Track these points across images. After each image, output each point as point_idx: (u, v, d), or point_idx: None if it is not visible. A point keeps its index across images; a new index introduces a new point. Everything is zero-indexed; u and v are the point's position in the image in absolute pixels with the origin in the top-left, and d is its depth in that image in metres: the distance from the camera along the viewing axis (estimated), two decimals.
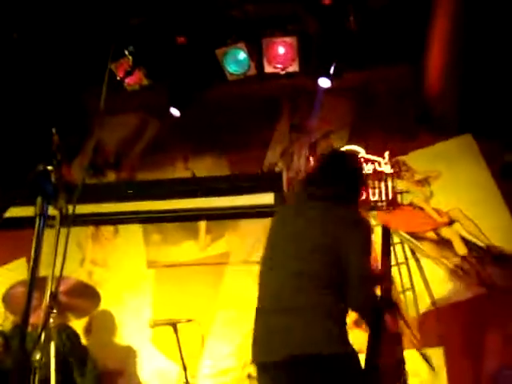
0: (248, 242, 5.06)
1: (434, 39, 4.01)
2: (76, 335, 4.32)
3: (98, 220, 5.32)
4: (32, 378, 2.65)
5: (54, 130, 2.72)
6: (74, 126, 5.11)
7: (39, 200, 1.60)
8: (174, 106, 4.93)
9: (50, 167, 1.71)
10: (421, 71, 4.35)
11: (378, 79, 5.00)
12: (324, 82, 4.69)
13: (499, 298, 4.42)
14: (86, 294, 3.93)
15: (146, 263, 5.16)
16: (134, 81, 4.48)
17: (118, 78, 3.88)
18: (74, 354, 4.15)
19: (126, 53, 3.03)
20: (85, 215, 5.19)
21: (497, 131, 4.70)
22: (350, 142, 5.00)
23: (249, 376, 4.70)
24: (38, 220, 1.59)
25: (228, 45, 4.48)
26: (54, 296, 3.21)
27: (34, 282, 1.55)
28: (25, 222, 3.26)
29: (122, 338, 4.94)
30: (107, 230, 5.37)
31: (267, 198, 4.89)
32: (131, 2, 4.09)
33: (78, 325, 4.52)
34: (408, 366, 4.35)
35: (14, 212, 4.92)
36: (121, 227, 5.33)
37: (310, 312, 2.63)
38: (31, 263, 1.60)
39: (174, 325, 4.06)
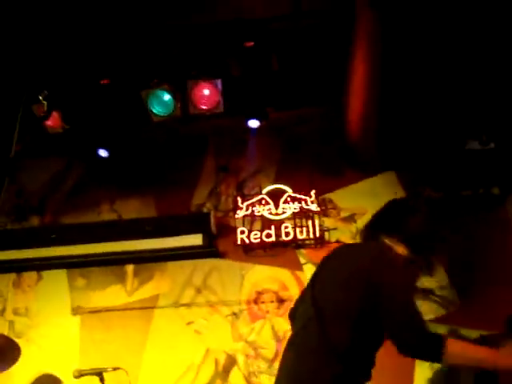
0: (177, 285, 4.99)
1: (353, 82, 4.13)
2: None
3: (21, 267, 5.13)
4: None
5: None
6: None
7: None
8: (100, 148, 4.90)
9: None
10: (341, 112, 4.46)
11: (302, 119, 5.10)
12: (253, 123, 4.78)
13: None
14: (5, 349, 3.74)
15: (71, 310, 4.99)
16: (54, 124, 4.39)
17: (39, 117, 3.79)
18: None
19: (40, 98, 2.97)
20: (6, 262, 5.02)
21: (417, 167, 4.87)
22: (276, 181, 5.05)
23: None
24: None
25: (152, 86, 4.47)
26: None
27: None
28: None
29: None
30: (30, 276, 5.18)
31: (195, 239, 4.85)
32: (55, 45, 4.04)
33: None
34: None
35: None
36: (44, 273, 5.15)
37: None
38: None
39: (100, 374, 3.91)
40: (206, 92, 4.49)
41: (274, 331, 4.73)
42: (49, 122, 4.28)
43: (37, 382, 4.69)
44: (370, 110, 4.24)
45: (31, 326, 4.98)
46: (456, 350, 2.27)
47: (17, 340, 4.03)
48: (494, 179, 4.79)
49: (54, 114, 4.14)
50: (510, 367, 2.30)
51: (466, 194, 4.81)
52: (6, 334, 4.69)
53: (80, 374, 4.00)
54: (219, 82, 4.44)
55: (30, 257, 5.04)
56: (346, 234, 4.91)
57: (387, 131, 4.48)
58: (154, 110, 4.53)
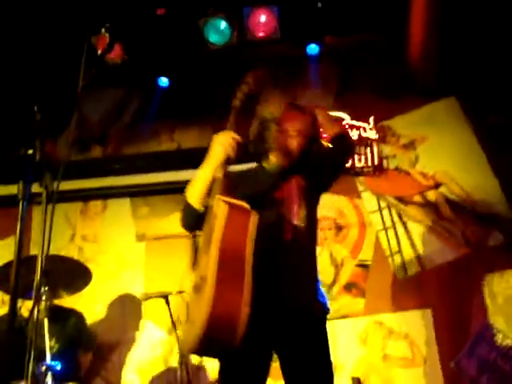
0: None
1: (414, 4, 3.99)
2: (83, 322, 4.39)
3: (86, 195, 5.34)
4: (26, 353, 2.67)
5: (35, 108, 2.72)
6: (59, 102, 5.08)
7: (20, 185, 1.62)
8: (160, 76, 4.96)
9: (30, 151, 1.71)
10: (402, 36, 4.34)
11: (361, 45, 4.97)
12: (311, 50, 4.72)
13: (484, 257, 4.50)
14: (77, 271, 3.95)
15: (136, 237, 5.19)
16: (115, 55, 4.45)
17: (99, 53, 3.85)
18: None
19: (103, 30, 3.01)
20: (73, 191, 5.22)
21: (480, 92, 4.72)
22: (334, 109, 5.00)
23: None
24: (20, 205, 1.61)
25: (209, 15, 4.44)
26: (45, 273, 3.25)
27: (20, 264, 1.58)
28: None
29: (116, 312, 4.97)
30: (96, 204, 5.38)
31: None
32: None
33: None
34: (397, 328, 4.48)
35: (5, 190, 4.96)
36: (109, 201, 5.34)
37: None
38: (16, 246, 1.62)
39: (165, 297, 4.09)
40: (263, 19, 4.43)
41: (332, 258, 4.81)
42: (109, 54, 4.34)
43: (117, 300, 4.93)
44: (432, 32, 4.11)
45: (99, 252, 5.20)
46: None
47: (87, 264, 4.24)
48: None
49: (115, 45, 4.20)
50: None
51: None
52: (76, 258, 4.95)
53: (147, 297, 4.21)
54: (276, 8, 4.37)
55: (95, 186, 5.24)
56: (405, 162, 4.87)
57: (448, 54, 4.35)
58: (211, 39, 4.52)
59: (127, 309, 4.92)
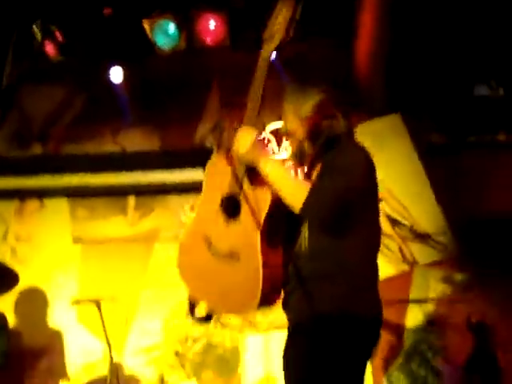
0: (177, 218, 4.99)
1: (362, 20, 4.02)
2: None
3: (23, 193, 5.17)
4: None
5: None
6: None
7: None
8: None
9: None
10: (348, 49, 4.35)
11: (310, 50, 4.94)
12: None
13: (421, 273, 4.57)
14: (2, 274, 3.81)
15: (72, 239, 5.04)
16: (54, 53, 4.32)
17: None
18: None
19: (34, 27, 2.91)
20: (9, 189, 5.07)
21: (424, 111, 4.78)
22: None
23: (176, 353, 4.71)
24: None
25: (155, 16, 4.36)
26: None
27: None
28: None
29: (47, 315, 4.83)
30: (32, 203, 5.22)
31: (197, 174, 4.83)
32: None
33: None
34: None
35: None
36: (47, 201, 5.18)
37: None
38: None
39: (97, 303, 3.99)
40: (212, 25, 4.39)
41: None
42: (50, 50, 4.21)
43: (45, 303, 4.78)
44: (378, 48, 4.14)
45: (33, 253, 5.04)
46: None
47: (19, 265, 4.10)
48: (500, 125, 4.72)
49: (53, 43, 4.08)
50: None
51: (471, 141, 4.76)
52: (8, 258, 4.81)
53: (78, 302, 4.10)
54: (224, 14, 4.34)
55: (33, 184, 5.09)
56: None
57: (395, 71, 4.38)
58: (158, 42, 4.45)
59: (56, 313, 4.78)
